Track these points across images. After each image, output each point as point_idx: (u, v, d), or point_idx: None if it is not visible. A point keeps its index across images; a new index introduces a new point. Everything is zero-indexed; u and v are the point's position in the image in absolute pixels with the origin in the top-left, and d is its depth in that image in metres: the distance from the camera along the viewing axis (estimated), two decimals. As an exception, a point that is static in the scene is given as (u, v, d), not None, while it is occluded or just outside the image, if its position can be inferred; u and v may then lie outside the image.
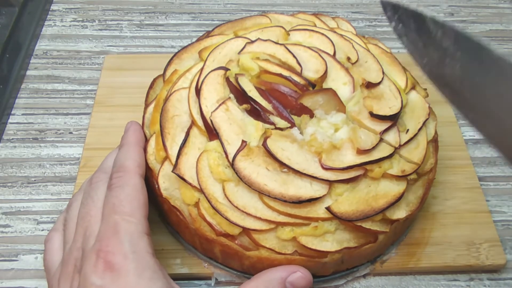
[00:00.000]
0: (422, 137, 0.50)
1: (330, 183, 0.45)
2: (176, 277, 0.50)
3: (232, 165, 0.45)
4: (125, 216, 0.41)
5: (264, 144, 0.45)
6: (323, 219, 0.44)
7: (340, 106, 0.49)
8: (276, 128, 0.47)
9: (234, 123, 0.47)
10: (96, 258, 0.39)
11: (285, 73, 0.50)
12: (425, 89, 0.55)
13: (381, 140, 0.48)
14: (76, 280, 0.40)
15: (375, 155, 0.47)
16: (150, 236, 0.43)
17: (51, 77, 0.69)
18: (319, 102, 0.49)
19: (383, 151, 0.47)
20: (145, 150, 0.49)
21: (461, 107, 0.31)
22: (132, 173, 0.45)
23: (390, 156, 0.47)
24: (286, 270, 0.44)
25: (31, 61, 0.71)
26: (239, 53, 0.52)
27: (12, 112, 0.65)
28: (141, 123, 0.52)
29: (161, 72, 0.56)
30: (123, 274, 0.39)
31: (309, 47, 0.53)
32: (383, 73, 0.52)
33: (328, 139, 0.47)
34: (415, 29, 0.33)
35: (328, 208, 0.44)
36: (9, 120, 0.64)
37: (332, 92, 0.49)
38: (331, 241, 0.45)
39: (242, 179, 0.44)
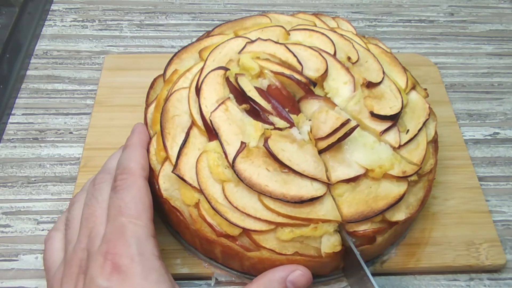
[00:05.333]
0: (422, 138, 0.50)
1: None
2: (176, 277, 0.49)
3: (232, 167, 0.45)
4: (131, 218, 0.41)
5: (266, 145, 0.45)
6: (323, 221, 0.44)
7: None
8: (275, 128, 0.47)
9: (234, 123, 0.47)
10: (104, 260, 0.39)
11: (287, 71, 0.50)
12: (425, 89, 0.55)
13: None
14: (80, 281, 0.40)
15: None
16: (156, 238, 0.43)
17: (51, 77, 0.69)
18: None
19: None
20: (148, 151, 0.49)
21: None
22: (136, 176, 0.45)
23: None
24: (286, 269, 0.44)
25: (31, 61, 0.71)
26: (240, 52, 0.52)
27: (12, 112, 0.65)
28: (143, 123, 0.52)
29: (161, 72, 0.55)
30: (130, 277, 0.39)
31: (309, 47, 0.53)
32: (384, 73, 0.52)
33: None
34: None
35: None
36: (9, 120, 0.64)
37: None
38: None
39: (243, 181, 0.44)
